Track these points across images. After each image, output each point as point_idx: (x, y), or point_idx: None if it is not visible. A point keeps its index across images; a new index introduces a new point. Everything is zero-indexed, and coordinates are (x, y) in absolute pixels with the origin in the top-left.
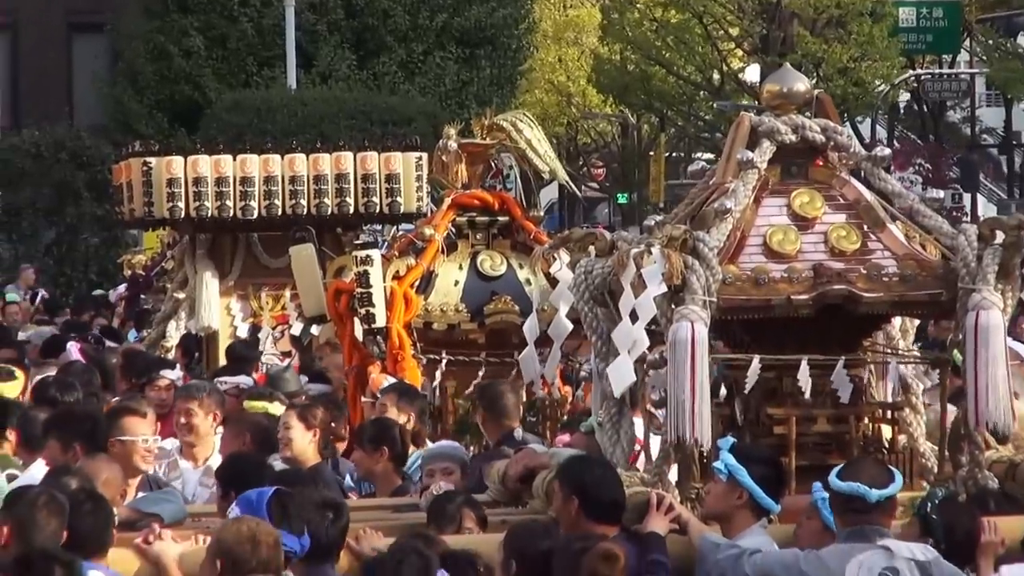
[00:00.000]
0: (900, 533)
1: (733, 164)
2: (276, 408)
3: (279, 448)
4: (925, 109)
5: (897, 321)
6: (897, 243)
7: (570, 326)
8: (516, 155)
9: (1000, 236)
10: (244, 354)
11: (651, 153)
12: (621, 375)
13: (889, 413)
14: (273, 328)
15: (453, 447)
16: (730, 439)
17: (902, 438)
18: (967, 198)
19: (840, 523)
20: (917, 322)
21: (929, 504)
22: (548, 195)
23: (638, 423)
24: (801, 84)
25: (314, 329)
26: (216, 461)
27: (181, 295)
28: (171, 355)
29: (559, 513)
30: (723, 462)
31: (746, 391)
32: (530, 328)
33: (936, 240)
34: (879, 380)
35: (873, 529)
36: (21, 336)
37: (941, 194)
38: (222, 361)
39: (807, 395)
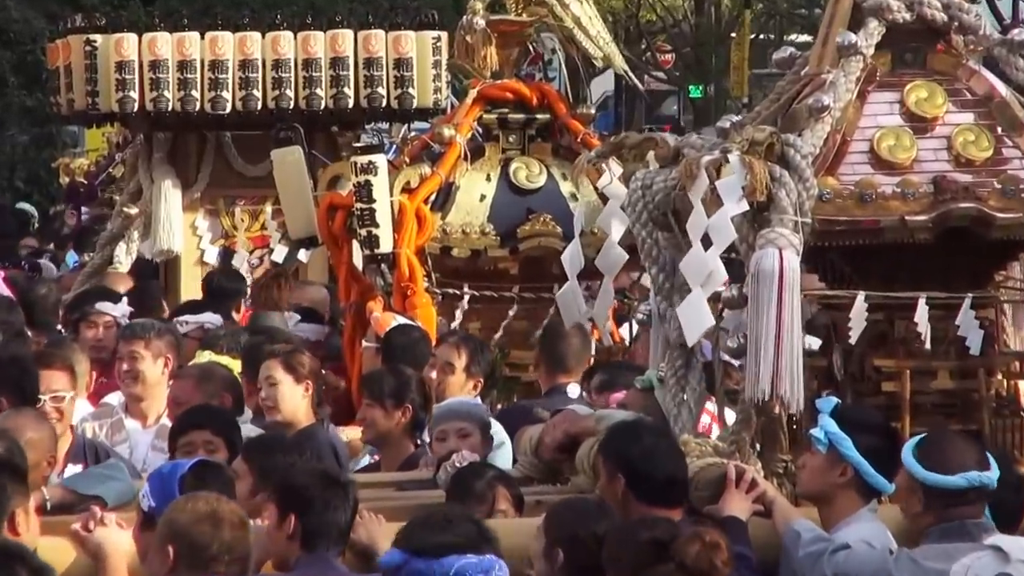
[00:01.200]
0: None
1: (832, 49)
2: (221, 360)
3: (265, 411)
4: None
5: None
6: None
7: (625, 255)
8: (561, 36)
9: None
10: (225, 287)
11: (732, 35)
12: (695, 316)
13: None
14: (250, 252)
15: (470, 403)
16: (832, 399)
17: None
18: None
19: (928, 515)
20: None
21: None
22: (602, 87)
23: None
24: None
25: (302, 255)
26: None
27: (133, 210)
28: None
29: (604, 494)
30: (823, 429)
31: (849, 338)
32: (572, 257)
33: None
34: (1016, 326)
35: (975, 524)
36: None
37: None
38: (185, 294)
39: (926, 344)
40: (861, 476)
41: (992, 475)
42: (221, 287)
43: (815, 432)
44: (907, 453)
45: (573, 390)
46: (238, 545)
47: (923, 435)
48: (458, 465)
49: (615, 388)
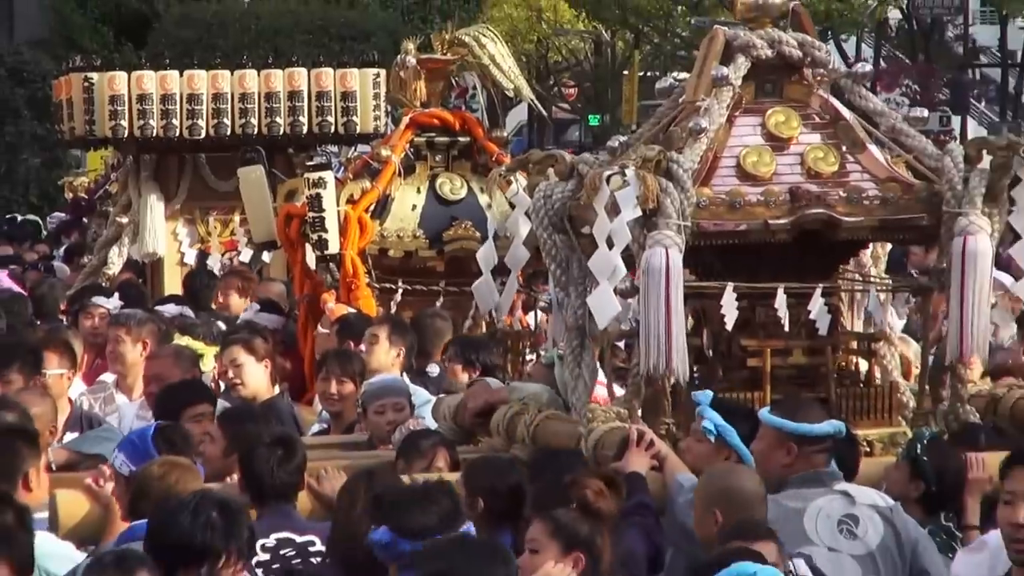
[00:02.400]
0: (888, 476)
1: (706, 81)
2: (200, 345)
3: (231, 389)
4: (915, 27)
5: (869, 249)
6: (878, 165)
7: (527, 254)
8: (478, 72)
9: (987, 157)
10: (198, 289)
11: (625, 72)
12: (604, 306)
13: (864, 345)
14: (222, 255)
15: (397, 380)
16: (708, 393)
17: (879, 372)
18: (956, 121)
19: (794, 466)
20: (889, 248)
21: (918, 446)
22: (517, 116)
23: None
24: None
25: (265, 256)
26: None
27: (124, 219)
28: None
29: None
30: (712, 423)
31: (725, 322)
32: (485, 256)
33: (920, 162)
34: (851, 311)
35: (827, 473)
36: None
37: (925, 113)
38: (168, 289)
39: (784, 326)
40: (740, 458)
41: (843, 426)
42: (196, 289)
43: (706, 424)
44: (772, 416)
45: (433, 369)
46: None
47: (777, 400)
48: (411, 428)
49: (466, 361)
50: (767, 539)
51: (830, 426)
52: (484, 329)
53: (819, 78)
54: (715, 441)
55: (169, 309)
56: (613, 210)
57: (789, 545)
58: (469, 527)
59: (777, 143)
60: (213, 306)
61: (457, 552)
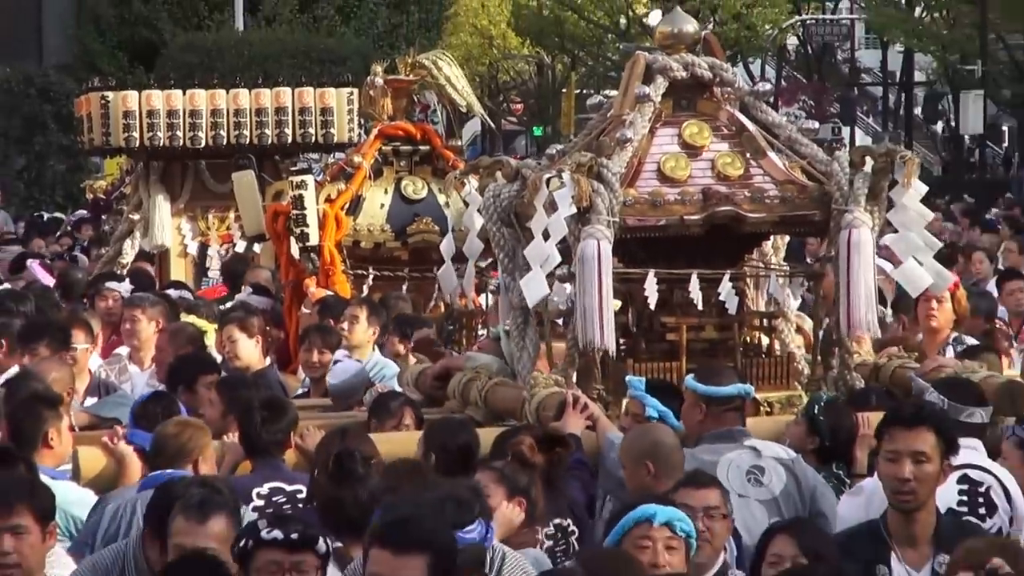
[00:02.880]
0: (788, 432)
1: (630, 98)
2: (203, 323)
3: (228, 360)
4: (810, 51)
5: (770, 240)
6: (777, 169)
7: (481, 245)
8: (436, 91)
9: (870, 163)
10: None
11: (563, 90)
12: (535, 288)
13: (766, 322)
14: (220, 246)
15: (361, 374)
16: (641, 379)
17: (777, 345)
18: (846, 131)
19: (705, 424)
20: (787, 240)
21: (815, 407)
22: (472, 128)
23: None
24: (690, 26)
25: (256, 247)
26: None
27: (136, 216)
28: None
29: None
30: (653, 407)
31: (648, 302)
32: (447, 246)
33: (813, 166)
34: (755, 292)
35: (738, 431)
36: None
37: (816, 125)
38: (174, 275)
39: (698, 306)
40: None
41: (750, 388)
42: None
43: (650, 412)
44: (690, 380)
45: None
46: None
47: (697, 368)
48: (381, 391)
49: (403, 335)
50: (712, 486)
51: (735, 388)
52: (444, 309)
53: (727, 95)
54: (658, 420)
55: (174, 293)
56: (551, 208)
57: None
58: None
59: (691, 151)
60: None
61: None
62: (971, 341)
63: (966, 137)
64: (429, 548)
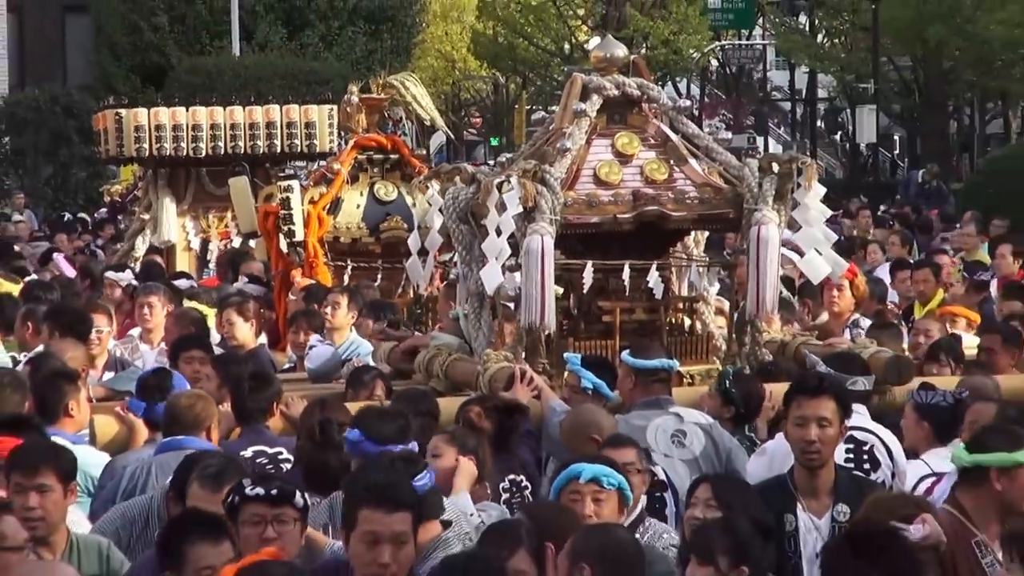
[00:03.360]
0: (706, 402)
1: (569, 113)
2: (204, 308)
3: (226, 339)
4: (728, 72)
5: (691, 235)
6: (696, 174)
7: (441, 239)
8: (404, 107)
9: (776, 168)
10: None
11: (516, 107)
12: (491, 277)
13: (688, 305)
14: (219, 242)
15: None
16: (577, 355)
17: (698, 324)
18: (760, 141)
19: (636, 393)
20: (707, 235)
21: (727, 380)
22: (439, 139)
23: None
24: (620, 51)
25: (251, 242)
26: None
27: (147, 216)
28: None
29: None
30: (588, 380)
31: (586, 289)
32: (413, 241)
33: (727, 171)
34: (678, 280)
35: (665, 399)
36: (28, 250)
37: (729, 135)
38: (179, 267)
39: (628, 291)
40: (609, 400)
41: (675, 362)
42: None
43: (585, 384)
44: (624, 355)
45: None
46: None
47: (629, 344)
48: (356, 365)
49: (375, 317)
50: (629, 446)
51: (661, 362)
52: (412, 295)
53: (653, 111)
54: (592, 394)
55: (181, 282)
56: (502, 208)
57: None
58: (413, 444)
59: (623, 158)
60: None
61: None
62: (866, 322)
63: (862, 145)
64: (411, 503)
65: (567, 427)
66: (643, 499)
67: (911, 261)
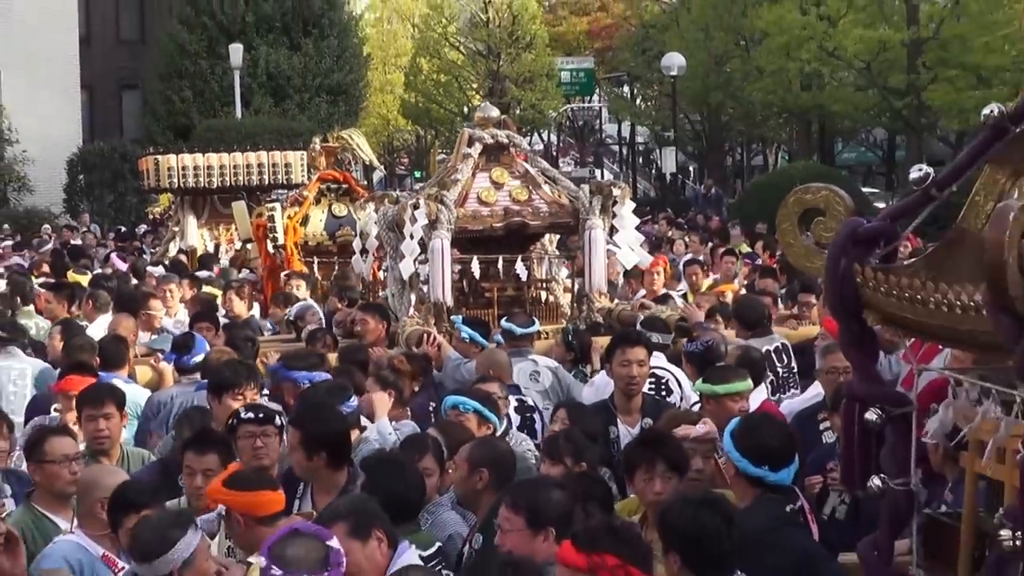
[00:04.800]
0: (553, 349)
1: (460, 156)
2: (214, 291)
3: (228, 313)
4: (576, 125)
5: (546, 237)
6: (548, 196)
7: (376, 243)
8: (351, 152)
9: (601, 191)
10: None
11: (431, 151)
12: (408, 268)
13: (545, 285)
14: (226, 245)
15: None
16: (459, 316)
17: (551, 298)
18: (599, 173)
19: (507, 347)
20: (557, 237)
21: (569, 335)
22: (379, 174)
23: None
24: (495, 112)
25: (248, 245)
26: (182, 316)
27: (176, 228)
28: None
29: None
30: (466, 332)
31: (474, 275)
32: (357, 244)
33: (568, 193)
34: (538, 267)
35: (525, 349)
36: (93, 252)
37: (571, 168)
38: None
39: (502, 276)
40: (483, 347)
41: (538, 326)
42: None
43: (463, 336)
44: (504, 322)
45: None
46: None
47: (508, 314)
48: (311, 328)
49: (340, 297)
50: (491, 382)
51: (521, 328)
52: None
53: (518, 153)
54: (470, 341)
55: (202, 273)
56: (414, 220)
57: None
58: (322, 375)
59: (497, 185)
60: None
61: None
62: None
63: (667, 174)
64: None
65: (479, 362)
66: (509, 417)
67: (700, 259)
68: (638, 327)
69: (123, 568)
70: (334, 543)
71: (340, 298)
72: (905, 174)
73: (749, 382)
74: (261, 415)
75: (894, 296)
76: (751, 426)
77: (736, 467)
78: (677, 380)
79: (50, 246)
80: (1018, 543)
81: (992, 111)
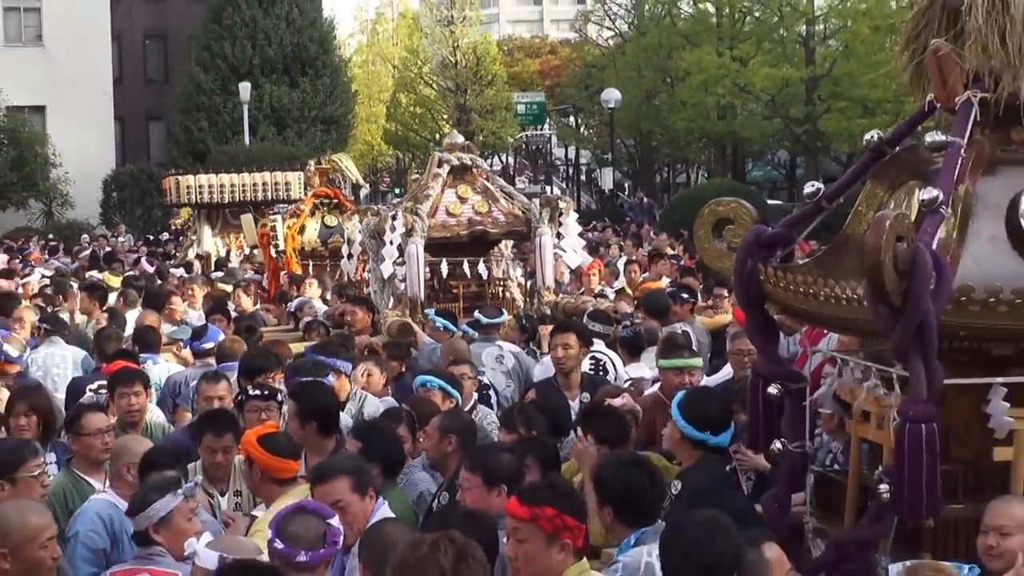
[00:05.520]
0: (510, 335)
1: (431, 175)
2: (227, 288)
3: (236, 307)
4: (530, 149)
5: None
6: (504, 208)
7: (360, 248)
8: (340, 173)
9: (549, 204)
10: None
11: (408, 171)
12: (387, 269)
13: (503, 282)
14: (236, 251)
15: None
16: (432, 309)
17: (508, 293)
18: (548, 189)
19: (478, 334)
20: (512, 243)
21: (523, 320)
22: (365, 191)
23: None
24: (460, 139)
25: (255, 251)
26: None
27: (194, 237)
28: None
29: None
30: (439, 322)
31: (443, 275)
32: (345, 249)
33: (522, 206)
34: (497, 268)
35: (493, 336)
36: (124, 257)
37: (524, 185)
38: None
39: (469, 276)
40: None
41: (498, 319)
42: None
43: (437, 325)
44: (476, 313)
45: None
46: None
47: (480, 307)
48: (308, 319)
49: (339, 294)
50: (463, 363)
51: (487, 318)
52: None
53: (479, 173)
54: (443, 330)
55: (216, 274)
56: (392, 229)
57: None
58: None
59: (462, 200)
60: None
61: None
62: (609, 291)
63: (606, 190)
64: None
65: (443, 351)
66: (475, 394)
67: (634, 259)
68: (586, 318)
69: None
70: (335, 522)
71: (339, 296)
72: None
73: (699, 359)
74: (266, 392)
75: (791, 290)
76: (695, 397)
77: (682, 432)
78: (612, 362)
79: (87, 252)
80: (892, 495)
81: (872, 137)
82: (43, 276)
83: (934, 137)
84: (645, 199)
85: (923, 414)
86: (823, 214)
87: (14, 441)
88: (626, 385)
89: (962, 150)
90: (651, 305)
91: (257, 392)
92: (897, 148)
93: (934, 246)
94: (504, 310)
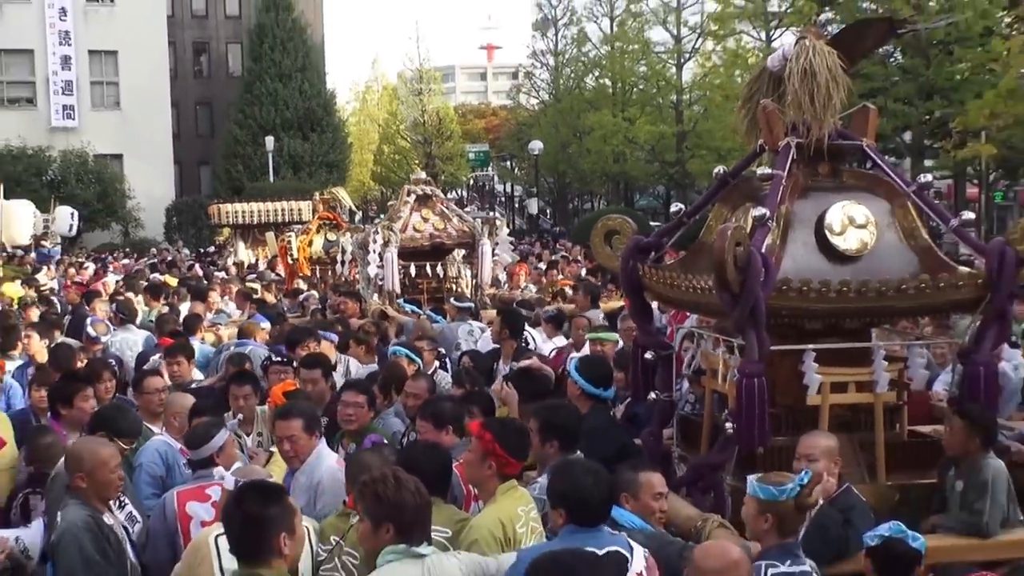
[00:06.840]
0: (451, 309)
1: (403, 202)
2: (256, 286)
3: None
4: (479, 185)
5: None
6: (456, 226)
7: (351, 256)
8: (338, 202)
9: (487, 223)
10: (256, 273)
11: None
12: (371, 271)
13: (456, 281)
14: (263, 258)
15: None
16: (403, 299)
17: (459, 288)
18: (492, 213)
19: (454, 315)
20: (462, 251)
21: (504, 312)
22: (358, 216)
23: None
24: (424, 175)
25: (276, 258)
26: (228, 308)
27: (232, 249)
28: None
29: None
30: (410, 308)
31: (413, 276)
32: (340, 258)
33: (470, 225)
34: (452, 269)
35: (464, 317)
36: (183, 263)
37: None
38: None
39: (442, 276)
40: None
41: (473, 307)
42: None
43: (406, 309)
44: (451, 299)
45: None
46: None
47: (453, 296)
48: (312, 307)
49: (338, 292)
50: (426, 339)
51: (459, 302)
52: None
53: (437, 200)
54: (411, 312)
55: (248, 277)
56: (374, 242)
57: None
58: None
59: (425, 220)
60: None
61: None
62: (532, 288)
63: (531, 214)
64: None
65: (415, 328)
66: (435, 362)
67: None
68: (514, 305)
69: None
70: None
71: (336, 291)
72: None
73: (615, 335)
74: (284, 359)
75: (662, 283)
76: (589, 361)
77: (581, 388)
78: (533, 338)
79: (154, 261)
80: (734, 430)
81: (719, 171)
82: (117, 281)
83: (763, 171)
84: (558, 227)
85: (755, 371)
86: (684, 228)
87: (203, 424)
88: (551, 354)
89: (783, 180)
90: (591, 290)
91: (278, 359)
92: (737, 179)
93: (763, 249)
94: (470, 299)
